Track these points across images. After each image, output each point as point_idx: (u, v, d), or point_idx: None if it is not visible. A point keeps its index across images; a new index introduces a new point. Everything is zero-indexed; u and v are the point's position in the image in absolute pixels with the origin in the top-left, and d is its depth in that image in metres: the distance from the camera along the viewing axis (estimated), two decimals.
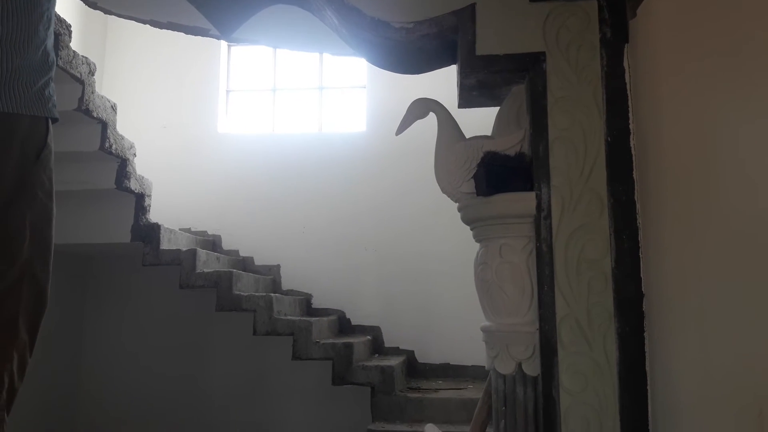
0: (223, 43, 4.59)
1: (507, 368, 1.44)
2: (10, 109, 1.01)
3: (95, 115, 2.74)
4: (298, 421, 3.81)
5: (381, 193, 4.24)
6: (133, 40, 4.62)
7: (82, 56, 2.65)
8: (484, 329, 1.53)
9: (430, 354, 4.04)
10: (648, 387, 1.32)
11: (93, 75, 2.73)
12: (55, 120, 1.11)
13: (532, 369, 1.41)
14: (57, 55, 2.36)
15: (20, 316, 1.03)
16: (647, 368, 1.32)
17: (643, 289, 1.35)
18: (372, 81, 4.43)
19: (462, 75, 1.52)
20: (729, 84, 1.21)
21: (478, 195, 1.51)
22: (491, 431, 1.58)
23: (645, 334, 1.33)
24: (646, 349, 1.33)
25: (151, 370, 3.94)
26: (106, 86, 4.39)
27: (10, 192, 1.00)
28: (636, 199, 1.38)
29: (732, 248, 1.23)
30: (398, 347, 4.05)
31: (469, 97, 1.62)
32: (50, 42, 1.12)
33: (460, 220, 1.62)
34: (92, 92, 2.73)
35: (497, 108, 1.64)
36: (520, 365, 1.43)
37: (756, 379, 1.17)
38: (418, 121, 1.67)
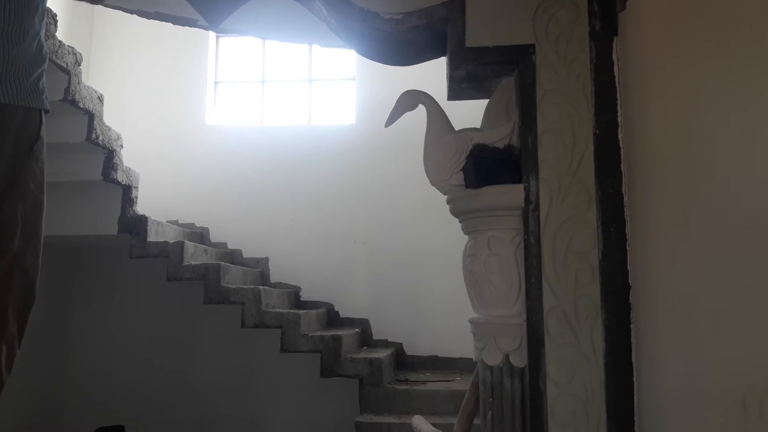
0: (212, 34, 4.55)
1: (494, 360, 1.45)
2: (6, 101, 1.00)
3: (82, 105, 2.71)
4: (287, 413, 3.81)
5: (370, 186, 4.23)
6: (120, 31, 4.57)
7: (68, 46, 2.62)
8: (472, 321, 1.53)
9: (418, 346, 4.06)
10: (634, 378, 1.33)
11: (79, 65, 2.70)
12: (46, 112, 1.10)
13: (520, 360, 1.42)
14: None
15: (9, 308, 1.02)
16: (633, 360, 1.33)
17: (629, 281, 1.36)
18: (361, 73, 4.42)
19: (451, 67, 1.51)
20: (718, 77, 1.22)
21: (467, 187, 1.51)
22: (479, 422, 1.59)
23: (631, 326, 1.34)
24: (633, 340, 1.34)
25: (138, 363, 3.92)
26: (93, 77, 4.34)
27: (3, 184, 1.00)
28: (624, 191, 1.39)
29: (719, 241, 1.24)
30: (387, 340, 4.06)
31: (458, 89, 1.61)
32: (43, 33, 1.11)
33: (449, 213, 1.62)
34: (78, 83, 2.69)
35: (487, 100, 1.64)
36: (507, 357, 1.44)
37: (741, 371, 1.19)
38: (408, 114, 1.67)
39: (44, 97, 1.09)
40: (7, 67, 1.00)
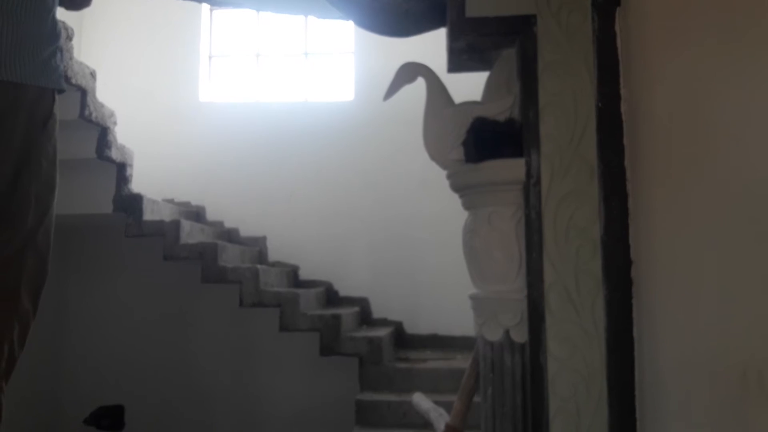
0: (205, 7, 4.47)
1: (494, 335, 1.44)
2: (17, 79, 0.99)
3: (74, 82, 2.67)
4: (287, 393, 3.83)
5: (369, 163, 4.19)
6: (111, 4, 4.48)
7: (59, 21, 2.56)
8: (472, 297, 1.52)
9: (418, 325, 4.06)
10: (635, 352, 1.32)
11: (71, 40, 2.65)
12: (61, 91, 1.09)
13: (520, 336, 1.41)
14: None
15: (22, 286, 1.04)
16: (635, 334, 1.32)
17: (631, 256, 1.34)
18: (360, 46, 4.34)
19: (451, 38, 1.48)
20: (722, 46, 1.20)
21: (467, 162, 1.49)
22: (479, 400, 1.59)
23: (633, 301, 1.33)
24: (634, 315, 1.33)
25: (137, 342, 3.93)
26: (84, 53, 4.27)
27: (18, 161, 1.00)
28: (626, 165, 1.37)
29: (722, 214, 1.23)
30: (386, 318, 4.06)
31: (458, 61, 1.58)
32: (56, 10, 1.09)
33: (449, 189, 1.60)
34: (70, 58, 2.65)
35: (487, 72, 1.61)
36: (507, 332, 1.43)
37: (742, 343, 1.19)
38: (408, 89, 1.64)
39: (57, 75, 1.07)
40: (17, 44, 0.98)
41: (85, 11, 4.54)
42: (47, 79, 1.04)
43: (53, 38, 1.07)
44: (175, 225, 3.29)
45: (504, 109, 1.48)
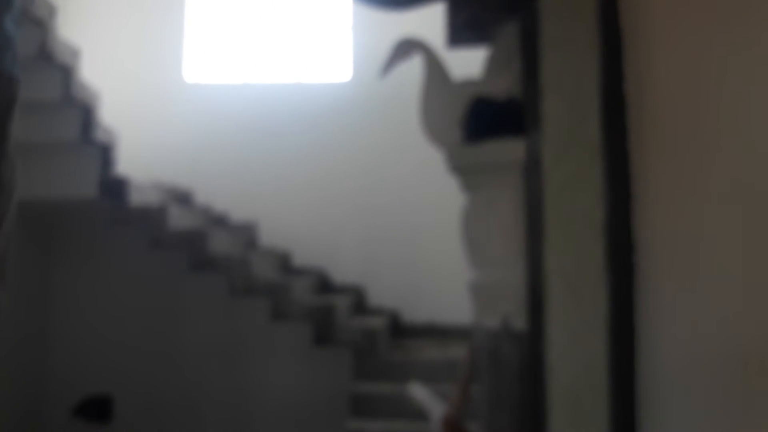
0: None
1: (492, 322, 1.40)
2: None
3: (58, 61, 2.59)
4: (279, 383, 3.76)
5: (365, 146, 4.10)
6: None
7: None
8: (470, 283, 1.48)
9: (414, 313, 4.00)
10: (637, 341, 1.28)
11: (54, 18, 2.56)
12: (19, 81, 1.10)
13: (519, 323, 1.37)
14: None
15: None
16: (637, 322, 1.28)
17: (634, 241, 1.30)
18: (358, 24, 4.24)
19: (451, 12, 1.43)
20: (727, 22, 1.15)
21: (465, 142, 1.43)
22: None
23: (635, 287, 1.29)
24: (636, 302, 1.29)
25: (123, 331, 3.84)
26: (67, 31, 4.14)
27: None
28: (629, 146, 1.32)
29: (727, 197, 1.19)
30: (382, 306, 4.00)
31: (458, 36, 1.53)
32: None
33: (447, 174, 1.55)
34: (54, 37, 2.56)
35: (487, 49, 1.56)
36: (506, 319, 1.39)
37: (744, 331, 1.15)
38: (410, 69, 1.57)
39: (19, 66, 1.09)
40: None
41: None
42: (17, 70, 1.05)
43: (18, 29, 1.08)
44: (163, 210, 3.22)
45: (504, 87, 1.42)
